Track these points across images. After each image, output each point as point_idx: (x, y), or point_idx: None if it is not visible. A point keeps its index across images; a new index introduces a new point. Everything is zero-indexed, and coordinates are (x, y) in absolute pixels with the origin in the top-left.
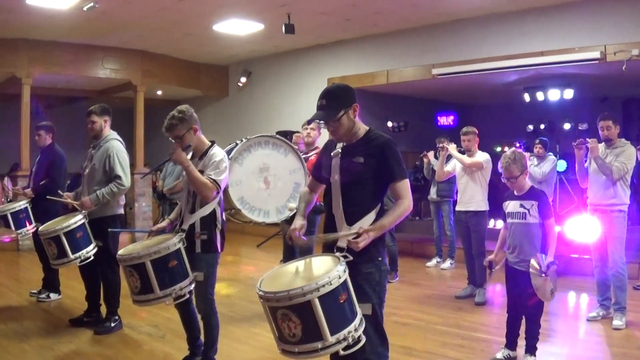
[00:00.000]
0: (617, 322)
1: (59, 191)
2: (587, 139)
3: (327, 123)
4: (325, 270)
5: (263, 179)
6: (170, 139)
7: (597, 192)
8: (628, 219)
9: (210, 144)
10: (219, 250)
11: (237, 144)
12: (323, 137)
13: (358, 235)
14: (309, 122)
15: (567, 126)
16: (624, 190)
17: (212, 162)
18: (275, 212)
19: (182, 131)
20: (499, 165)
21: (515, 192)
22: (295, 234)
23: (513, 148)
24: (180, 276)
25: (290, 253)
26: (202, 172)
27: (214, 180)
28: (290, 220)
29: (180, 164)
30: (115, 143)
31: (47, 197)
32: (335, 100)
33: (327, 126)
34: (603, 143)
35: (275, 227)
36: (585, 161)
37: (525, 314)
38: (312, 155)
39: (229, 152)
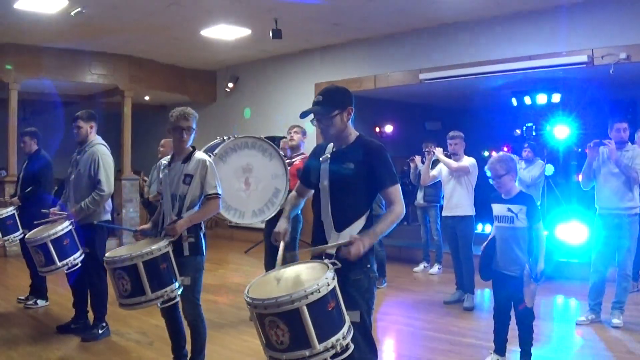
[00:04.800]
0: (616, 321)
1: (42, 210)
2: (605, 141)
3: (319, 120)
4: (314, 277)
5: (244, 179)
6: (170, 129)
7: (611, 196)
8: None
9: (192, 148)
10: (204, 252)
11: (223, 140)
12: (309, 142)
13: (351, 243)
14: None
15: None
16: (638, 193)
17: (207, 173)
18: (251, 214)
19: (192, 125)
20: (486, 169)
21: (503, 195)
22: (280, 236)
23: (502, 152)
24: (170, 279)
25: (272, 259)
26: (190, 176)
27: (217, 194)
28: (273, 222)
29: (185, 227)
30: (100, 148)
31: (35, 222)
32: (332, 99)
33: (319, 123)
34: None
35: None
36: (593, 162)
37: (517, 319)
38: (297, 160)
39: (213, 147)
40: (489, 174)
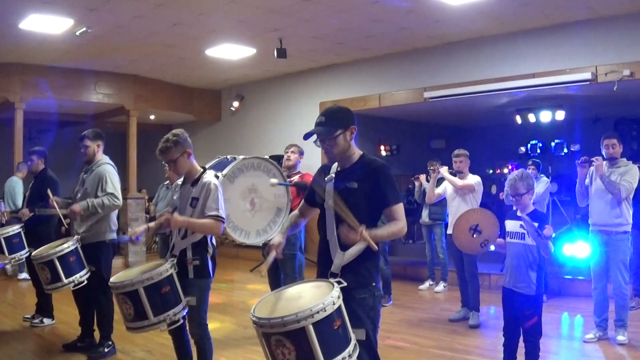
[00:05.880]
0: (620, 338)
1: (48, 189)
2: (592, 158)
3: (322, 140)
4: (320, 296)
5: (250, 200)
6: (163, 162)
7: (601, 212)
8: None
9: (202, 170)
10: (211, 275)
11: (227, 159)
12: (316, 161)
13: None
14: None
15: (559, 148)
16: (628, 210)
17: (210, 196)
18: (256, 234)
19: (176, 154)
20: (506, 185)
21: (518, 212)
22: (274, 250)
23: (521, 169)
24: (173, 302)
25: (275, 278)
26: (196, 199)
27: (220, 217)
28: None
29: (181, 227)
30: (107, 167)
31: (36, 209)
32: (334, 119)
33: (322, 143)
34: (606, 162)
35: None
36: (585, 180)
37: (524, 336)
38: (296, 178)
39: (219, 165)
40: (507, 191)
